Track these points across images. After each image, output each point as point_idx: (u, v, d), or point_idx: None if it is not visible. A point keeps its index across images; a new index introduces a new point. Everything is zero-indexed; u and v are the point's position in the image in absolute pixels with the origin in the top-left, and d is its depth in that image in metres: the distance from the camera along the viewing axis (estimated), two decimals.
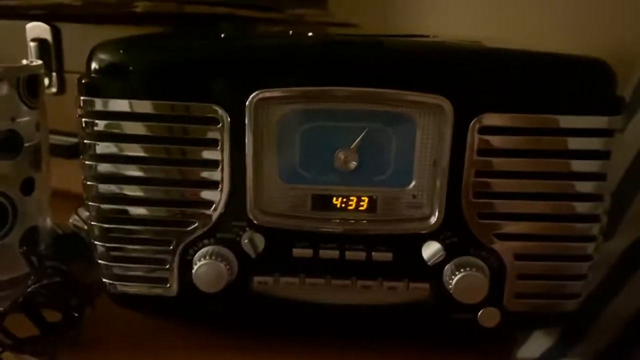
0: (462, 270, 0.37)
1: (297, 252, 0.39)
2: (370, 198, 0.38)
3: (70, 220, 0.54)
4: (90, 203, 0.39)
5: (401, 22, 0.90)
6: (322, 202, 0.39)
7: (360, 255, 0.38)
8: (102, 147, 0.38)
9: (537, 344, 0.67)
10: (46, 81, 0.63)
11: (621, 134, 0.37)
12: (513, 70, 0.37)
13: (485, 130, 0.36)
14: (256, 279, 0.39)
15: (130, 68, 0.37)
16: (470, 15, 0.85)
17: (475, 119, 0.36)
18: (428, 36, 0.44)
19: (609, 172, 0.37)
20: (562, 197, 0.37)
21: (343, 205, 0.39)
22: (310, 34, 0.45)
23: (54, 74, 0.64)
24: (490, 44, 0.39)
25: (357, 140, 0.37)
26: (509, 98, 0.36)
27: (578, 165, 0.37)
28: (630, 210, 0.70)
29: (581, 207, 0.38)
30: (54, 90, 0.64)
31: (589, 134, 0.36)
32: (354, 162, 0.38)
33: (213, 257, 0.38)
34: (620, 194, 0.70)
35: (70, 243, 0.50)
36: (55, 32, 0.63)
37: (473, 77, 0.36)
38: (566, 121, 0.36)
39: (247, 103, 0.36)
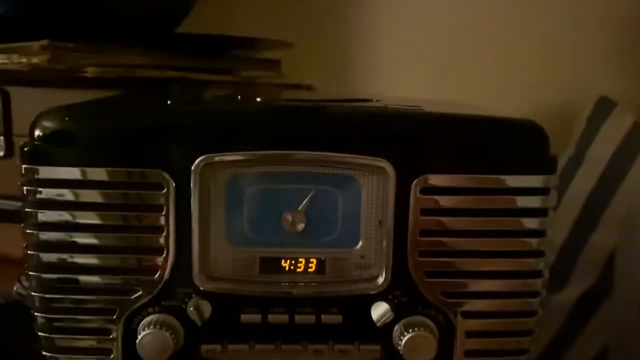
0: (410, 330, 0.38)
1: (245, 317, 0.38)
2: (318, 259, 0.39)
3: (15, 288, 0.51)
4: (31, 272, 0.38)
5: (355, 81, 0.93)
6: (271, 265, 0.39)
7: (310, 318, 0.38)
8: (44, 216, 0.37)
9: None
10: None
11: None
12: (449, 133, 0.38)
13: (426, 190, 0.37)
14: (204, 347, 0.39)
15: (74, 135, 0.37)
16: (422, 72, 0.89)
17: (416, 180, 0.37)
18: (371, 100, 0.45)
19: (549, 229, 0.39)
20: (504, 255, 0.39)
21: (292, 267, 0.39)
22: (258, 99, 0.46)
23: (1, 137, 0.63)
24: (428, 109, 0.41)
25: (304, 202, 0.38)
26: (446, 160, 0.37)
27: (517, 223, 0.38)
28: (579, 260, 0.72)
29: (524, 263, 0.39)
30: (1, 154, 0.63)
31: (526, 193, 0.38)
32: (302, 224, 0.38)
33: (158, 326, 0.37)
34: (570, 245, 0.72)
35: (12, 313, 0.48)
36: (4, 96, 0.62)
37: (411, 140, 0.38)
38: (502, 181, 0.38)
39: (192, 168, 0.36)
